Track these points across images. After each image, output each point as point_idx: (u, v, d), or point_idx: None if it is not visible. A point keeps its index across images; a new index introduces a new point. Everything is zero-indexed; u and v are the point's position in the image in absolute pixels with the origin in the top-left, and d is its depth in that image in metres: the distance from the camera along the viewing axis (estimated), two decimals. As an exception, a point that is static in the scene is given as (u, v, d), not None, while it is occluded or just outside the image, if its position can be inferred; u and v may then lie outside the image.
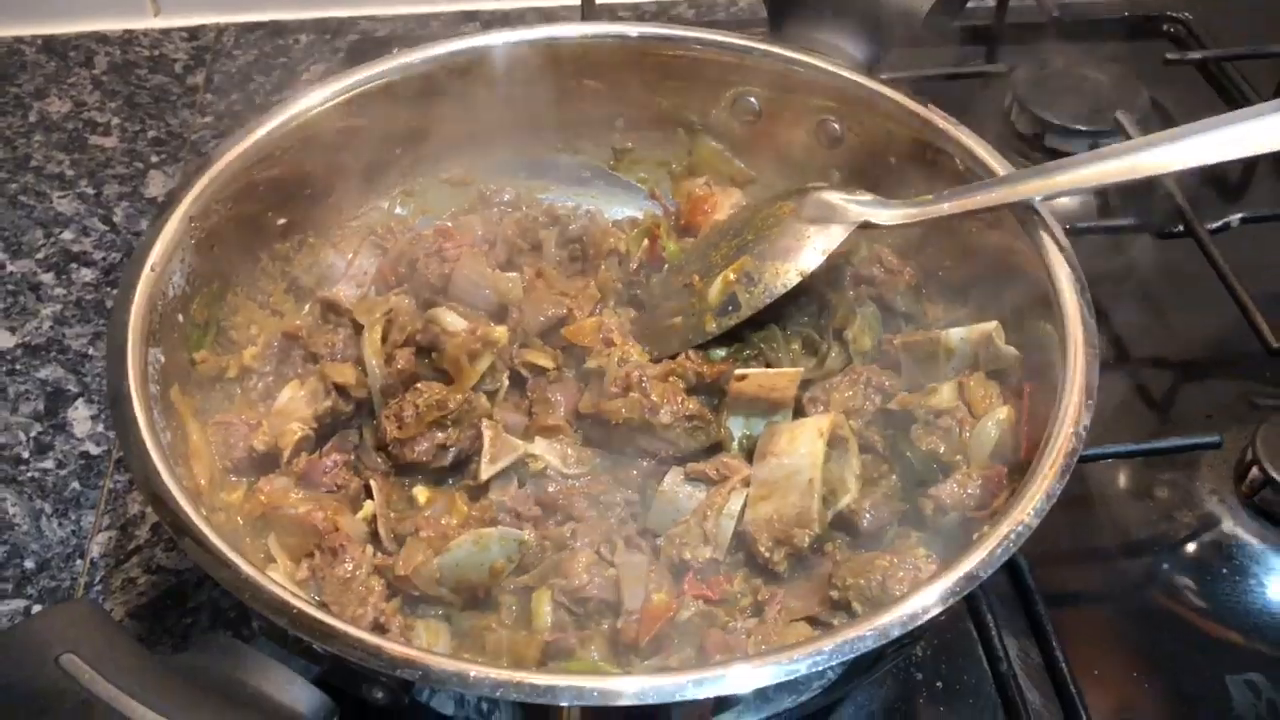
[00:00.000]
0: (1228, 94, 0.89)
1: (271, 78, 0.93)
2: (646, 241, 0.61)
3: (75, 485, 0.66)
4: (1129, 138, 0.77)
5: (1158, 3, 0.98)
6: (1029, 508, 0.41)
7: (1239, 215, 0.72)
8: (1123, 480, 0.64)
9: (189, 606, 0.60)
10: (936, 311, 0.57)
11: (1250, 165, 0.82)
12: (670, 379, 0.52)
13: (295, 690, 0.36)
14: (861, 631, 0.37)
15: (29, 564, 0.62)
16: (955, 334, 0.52)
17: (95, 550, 0.63)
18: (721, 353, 0.53)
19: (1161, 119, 0.84)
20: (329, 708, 0.37)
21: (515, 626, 0.46)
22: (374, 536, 0.48)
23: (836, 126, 0.60)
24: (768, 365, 0.54)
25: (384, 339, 0.54)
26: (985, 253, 0.54)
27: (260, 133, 0.55)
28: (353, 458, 0.52)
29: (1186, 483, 0.63)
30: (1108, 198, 0.80)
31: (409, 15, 0.98)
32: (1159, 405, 0.69)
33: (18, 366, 0.72)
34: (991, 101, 0.85)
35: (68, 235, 0.80)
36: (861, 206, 0.52)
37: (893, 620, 0.37)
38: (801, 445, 0.49)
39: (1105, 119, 0.80)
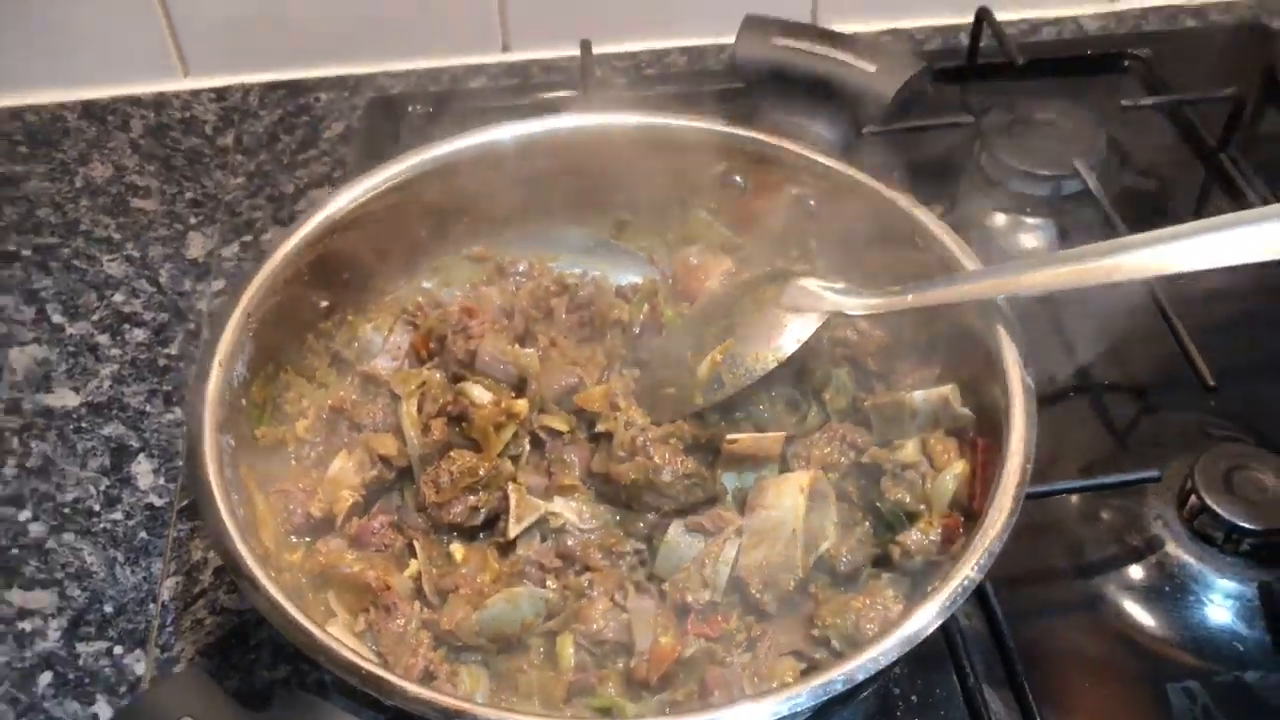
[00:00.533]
0: (1185, 132, 0.95)
1: (295, 136, 1.00)
2: (647, 306, 0.68)
3: (143, 535, 0.74)
4: (1086, 186, 0.84)
5: (1119, 40, 1.05)
6: (974, 562, 0.48)
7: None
8: (1077, 505, 0.71)
9: (251, 644, 0.68)
10: (906, 368, 0.64)
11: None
12: (670, 441, 0.59)
13: (366, 738, 0.44)
14: (830, 677, 0.44)
15: (108, 608, 0.70)
16: (918, 396, 0.60)
17: (165, 594, 0.71)
18: (715, 414, 0.61)
19: (1119, 161, 0.91)
20: None
21: (543, 667, 0.54)
22: (419, 591, 0.56)
23: (813, 204, 0.68)
24: (755, 425, 0.61)
25: (419, 409, 0.61)
26: (946, 322, 0.62)
27: (306, 229, 0.62)
28: (396, 518, 0.60)
29: (1135, 508, 0.70)
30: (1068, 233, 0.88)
31: (420, 70, 1.05)
32: (1116, 432, 0.76)
33: (83, 424, 0.80)
34: (963, 149, 0.92)
35: (119, 297, 0.88)
36: (835, 295, 0.59)
37: (849, 669, 0.45)
38: (785, 499, 0.57)
39: (1065, 164, 0.87)
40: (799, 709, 0.44)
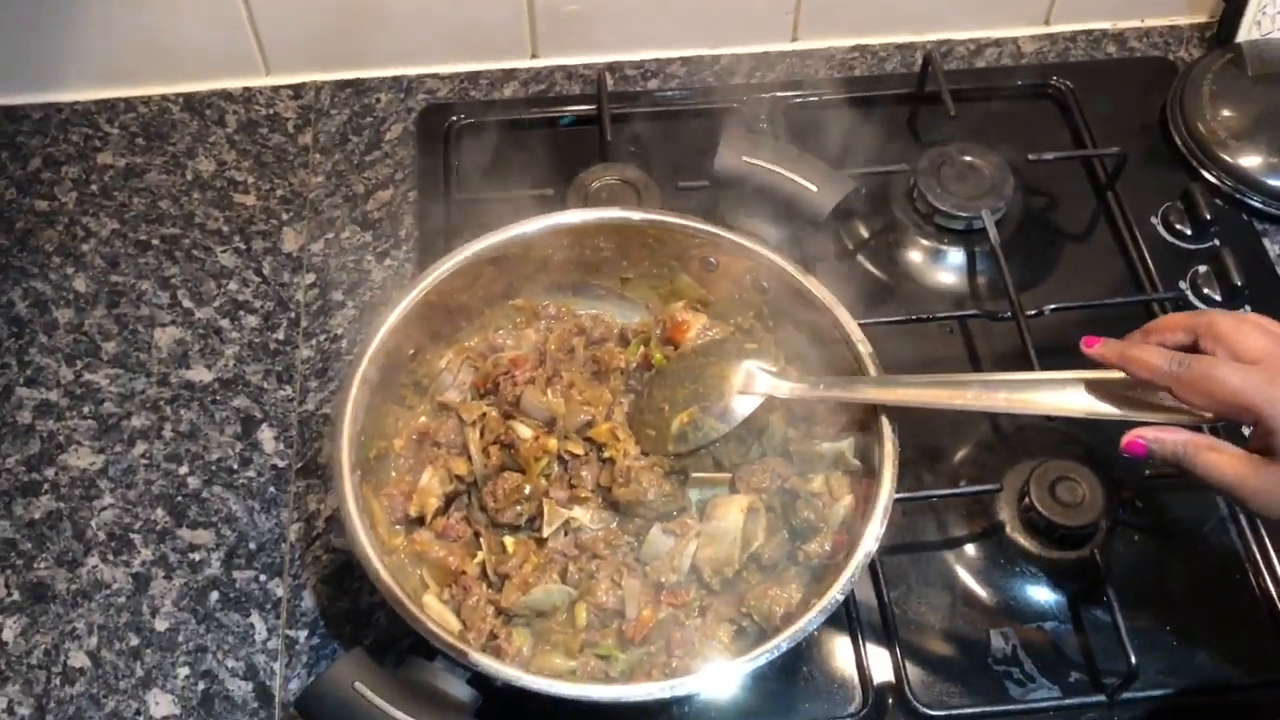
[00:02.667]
0: (1085, 165, 1.18)
1: (363, 137, 1.22)
2: (642, 349, 0.94)
3: (272, 489, 1.01)
4: (989, 236, 1.08)
5: (1047, 70, 1.25)
6: (835, 593, 0.76)
7: (1051, 305, 1.04)
8: (946, 500, 0.99)
9: (356, 576, 0.96)
10: (823, 414, 0.91)
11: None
12: (654, 469, 0.87)
13: (460, 688, 0.73)
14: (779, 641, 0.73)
15: (252, 545, 0.98)
16: (825, 447, 0.87)
17: (292, 536, 0.99)
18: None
19: (1023, 198, 1.14)
20: (476, 697, 0.74)
21: (565, 626, 0.83)
22: (484, 574, 0.85)
23: (765, 284, 0.93)
24: (714, 456, 0.88)
25: (480, 435, 0.89)
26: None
27: (403, 304, 0.87)
28: (466, 514, 0.88)
29: (989, 502, 0.98)
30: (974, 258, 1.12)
31: (461, 73, 1.26)
32: (981, 444, 1.02)
33: (217, 397, 1.06)
34: (902, 184, 1.15)
35: (233, 286, 1.12)
36: (771, 380, 0.85)
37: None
38: (731, 515, 0.85)
39: (976, 208, 1.11)
40: (764, 662, 0.72)
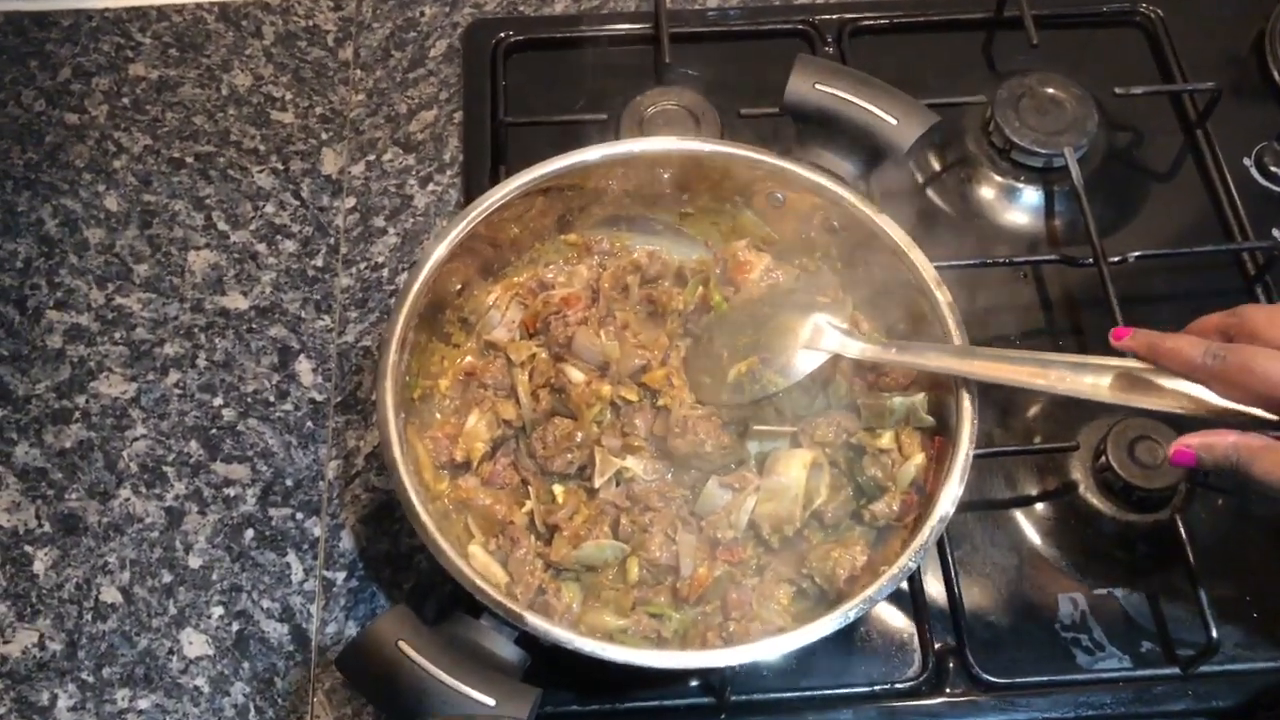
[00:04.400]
0: (1173, 100, 1.10)
1: (406, 53, 1.15)
2: (701, 289, 0.89)
3: (309, 424, 0.97)
4: (1071, 175, 1.01)
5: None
6: (907, 559, 0.71)
7: (1136, 253, 0.97)
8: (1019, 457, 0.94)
9: (395, 516, 0.92)
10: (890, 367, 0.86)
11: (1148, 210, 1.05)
12: (712, 419, 0.82)
13: (507, 648, 0.70)
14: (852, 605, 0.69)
15: (289, 482, 0.95)
16: (896, 400, 0.81)
17: (330, 473, 0.95)
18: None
19: (1107, 134, 1.07)
20: (525, 658, 0.70)
21: (616, 581, 0.79)
22: (532, 523, 0.80)
23: (835, 224, 0.87)
24: (776, 411, 0.83)
25: (530, 378, 0.84)
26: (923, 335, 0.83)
27: (448, 239, 0.82)
28: (514, 459, 0.84)
29: (1062, 460, 0.93)
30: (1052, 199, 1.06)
31: (508, -14, 1.19)
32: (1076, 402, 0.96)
33: (254, 325, 1.02)
34: (977, 116, 1.08)
35: (270, 209, 1.07)
36: (840, 338, 0.80)
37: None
38: (793, 471, 0.80)
39: (1058, 145, 1.04)
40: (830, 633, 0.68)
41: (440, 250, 0.82)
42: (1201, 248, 0.99)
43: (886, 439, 0.82)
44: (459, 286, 0.86)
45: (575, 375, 0.82)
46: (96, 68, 1.13)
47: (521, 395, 0.83)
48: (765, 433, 0.83)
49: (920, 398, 0.81)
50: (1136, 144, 1.08)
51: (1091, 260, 0.96)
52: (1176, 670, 0.85)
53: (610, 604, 0.78)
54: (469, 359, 0.86)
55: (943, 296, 0.80)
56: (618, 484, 0.82)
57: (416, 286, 0.80)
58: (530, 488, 0.82)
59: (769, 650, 0.69)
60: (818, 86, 0.85)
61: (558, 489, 0.82)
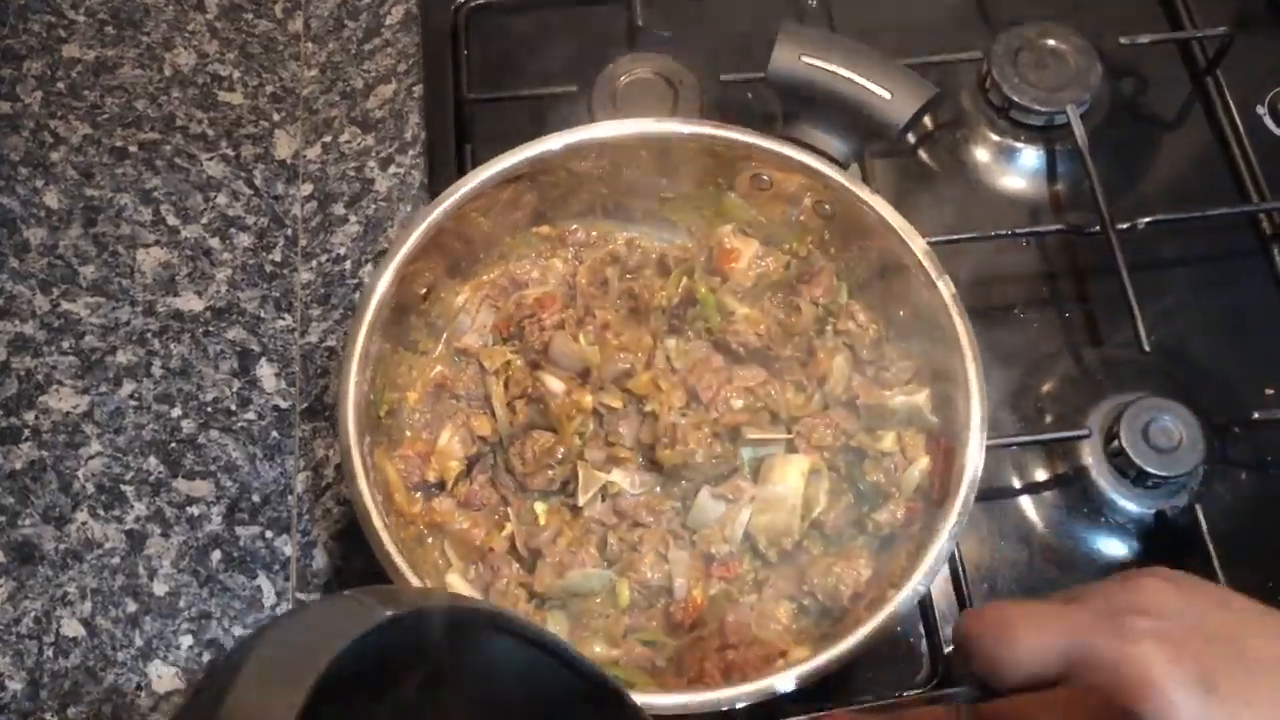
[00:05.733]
0: (1181, 48, 1.04)
1: (360, 22, 1.08)
2: (685, 280, 0.83)
3: (275, 434, 0.92)
4: (1074, 134, 0.95)
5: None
6: (916, 583, 0.67)
7: (1146, 218, 0.91)
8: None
9: (371, 530, 0.88)
10: (893, 355, 0.80)
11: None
12: (702, 427, 0.76)
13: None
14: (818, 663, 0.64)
15: (255, 498, 0.90)
16: (898, 400, 0.76)
17: (299, 486, 0.90)
18: (739, 404, 0.77)
19: (1112, 88, 1.00)
20: None
21: (606, 606, 0.74)
22: (513, 547, 0.75)
23: (827, 207, 0.80)
24: (770, 412, 0.78)
25: (505, 388, 0.78)
26: (926, 335, 0.77)
27: (406, 246, 0.76)
28: (491, 475, 0.78)
29: (1073, 443, 0.88)
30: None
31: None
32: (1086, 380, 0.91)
33: (210, 328, 0.95)
34: (972, 73, 1.01)
35: (221, 200, 1.00)
36: None
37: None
38: (790, 479, 0.75)
39: (1060, 101, 0.97)
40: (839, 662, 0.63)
41: (400, 255, 0.75)
42: (1215, 210, 0.93)
43: (889, 441, 0.76)
44: (424, 290, 0.80)
45: (554, 385, 0.77)
46: (27, 50, 1.05)
47: (497, 407, 0.78)
48: (759, 440, 0.77)
49: (923, 395, 0.76)
50: (1142, 96, 1.01)
51: (1098, 228, 0.90)
52: (1198, 665, 0.80)
53: (600, 633, 0.73)
54: (439, 368, 0.80)
55: (946, 288, 0.74)
56: (603, 499, 0.77)
57: (376, 299, 0.74)
58: (510, 508, 0.76)
59: (771, 689, 0.65)
60: (804, 59, 0.78)
61: (539, 507, 0.76)
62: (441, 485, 0.77)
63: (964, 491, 0.69)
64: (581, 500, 0.75)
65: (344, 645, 0.40)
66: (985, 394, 0.72)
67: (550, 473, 0.76)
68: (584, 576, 0.72)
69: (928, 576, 0.67)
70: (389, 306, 0.76)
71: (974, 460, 0.69)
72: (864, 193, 0.77)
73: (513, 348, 0.80)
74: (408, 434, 0.78)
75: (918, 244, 0.75)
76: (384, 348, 0.76)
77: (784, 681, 0.64)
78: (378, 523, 0.67)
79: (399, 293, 0.77)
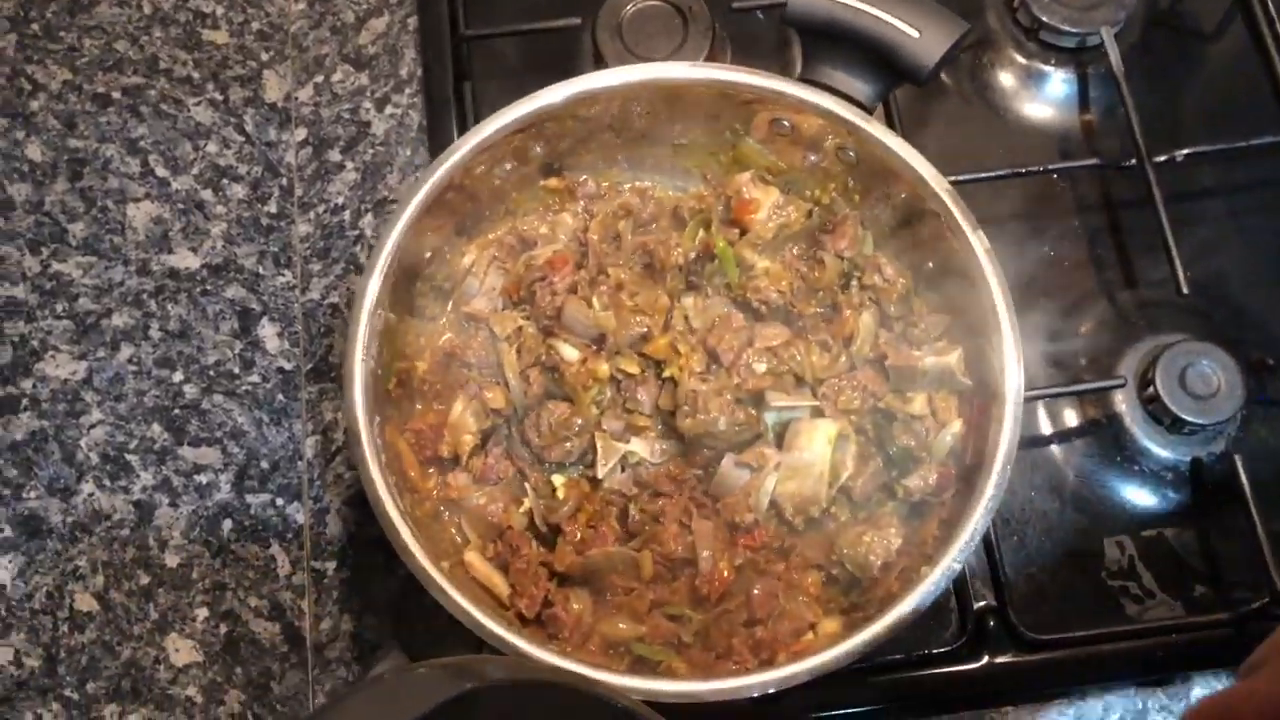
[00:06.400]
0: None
1: (348, -49, 1.02)
2: (701, 233, 0.79)
3: (280, 397, 0.89)
4: (1108, 58, 0.89)
5: None
6: (951, 560, 0.64)
7: (1184, 150, 0.87)
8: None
9: (384, 493, 0.85)
10: (923, 310, 0.76)
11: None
12: (723, 393, 0.73)
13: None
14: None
15: (265, 465, 0.87)
16: (928, 360, 0.73)
17: (308, 451, 0.87)
18: (761, 367, 0.74)
19: (1144, 19, 0.94)
20: None
21: (628, 579, 0.72)
22: (532, 523, 0.73)
23: (851, 153, 0.76)
24: (795, 375, 0.75)
25: (518, 356, 0.75)
26: (957, 286, 0.73)
27: (406, 215, 0.72)
28: (505, 447, 0.75)
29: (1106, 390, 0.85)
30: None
31: None
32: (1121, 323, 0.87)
33: (208, 287, 0.91)
34: (997, -8, 0.95)
35: (212, 148, 0.95)
36: None
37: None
38: (816, 445, 0.72)
39: (1093, 21, 0.91)
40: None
41: (404, 219, 0.71)
42: (1259, 139, 0.88)
43: (919, 404, 0.73)
44: (429, 254, 0.76)
45: (568, 353, 0.73)
46: (-3, -11, 1.00)
47: (510, 377, 0.74)
48: (784, 405, 0.74)
49: (956, 355, 0.72)
50: (1178, 13, 0.95)
51: (1134, 161, 0.85)
52: (1233, 616, 0.79)
53: (624, 609, 0.71)
54: (448, 335, 0.77)
55: (979, 243, 0.70)
56: (623, 469, 0.74)
57: (379, 267, 0.70)
58: (527, 481, 0.74)
59: (802, 674, 0.63)
60: (827, -6, 0.73)
61: (557, 480, 0.74)
62: (455, 459, 0.75)
63: (1000, 462, 0.66)
64: (600, 471, 0.73)
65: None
66: (1021, 358, 0.68)
67: (567, 444, 0.73)
68: (605, 556, 0.70)
69: (963, 552, 0.64)
70: (394, 274, 0.72)
71: (1010, 431, 0.66)
72: (892, 140, 0.73)
73: (523, 313, 0.76)
74: (418, 406, 0.75)
75: (947, 191, 0.71)
76: (389, 317, 0.72)
77: (820, 664, 0.63)
78: (393, 512, 0.65)
79: (403, 257, 0.73)
